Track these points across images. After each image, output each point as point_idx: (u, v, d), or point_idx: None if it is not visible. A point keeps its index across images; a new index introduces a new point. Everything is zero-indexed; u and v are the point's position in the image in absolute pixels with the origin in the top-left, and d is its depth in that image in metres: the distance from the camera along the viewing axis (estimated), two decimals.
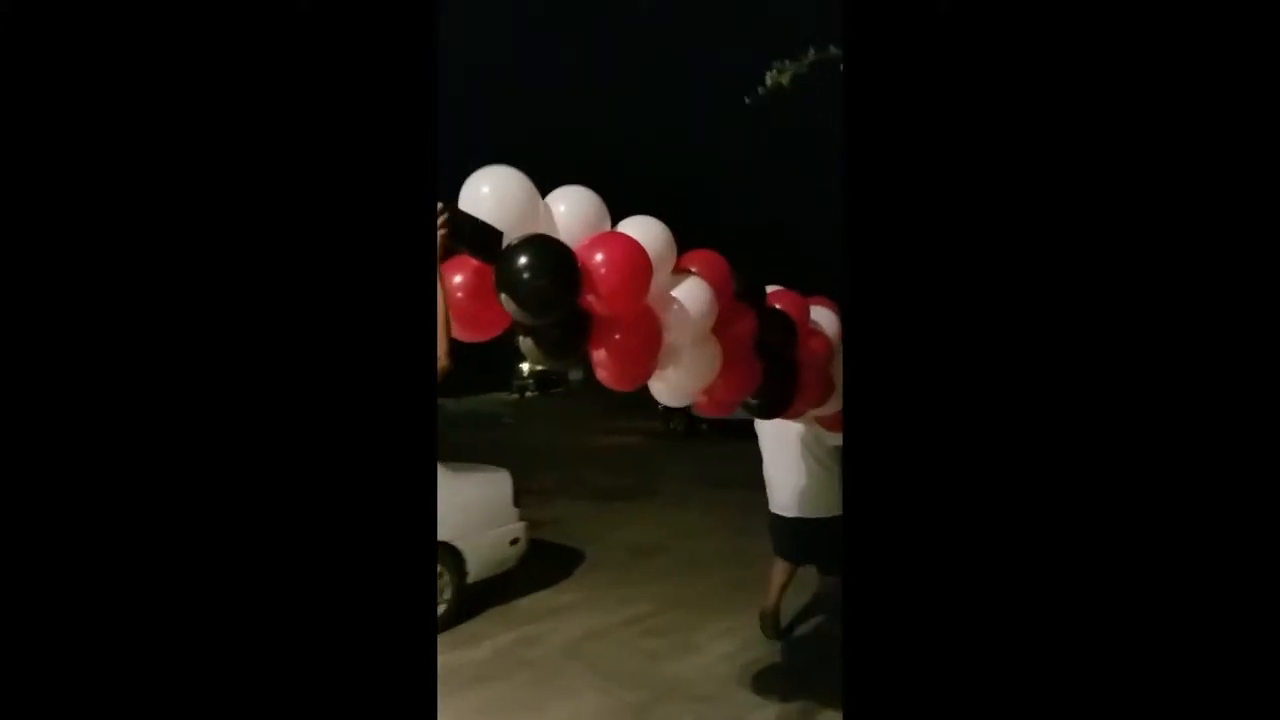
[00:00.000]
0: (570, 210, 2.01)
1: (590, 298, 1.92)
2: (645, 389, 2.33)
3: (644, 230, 2.08)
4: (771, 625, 3.85)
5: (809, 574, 3.94)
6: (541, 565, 5.17)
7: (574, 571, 5.32)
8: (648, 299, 2.05)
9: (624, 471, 10.22)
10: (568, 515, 7.10)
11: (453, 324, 1.80)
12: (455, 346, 1.59)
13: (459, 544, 4.17)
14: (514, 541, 4.63)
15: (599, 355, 2.09)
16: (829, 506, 3.43)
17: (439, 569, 4.05)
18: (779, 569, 3.84)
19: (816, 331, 2.74)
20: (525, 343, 2.04)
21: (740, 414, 2.81)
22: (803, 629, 4.03)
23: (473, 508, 4.39)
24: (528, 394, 34.68)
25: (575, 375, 32.90)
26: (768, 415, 2.83)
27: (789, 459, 3.54)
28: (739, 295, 2.36)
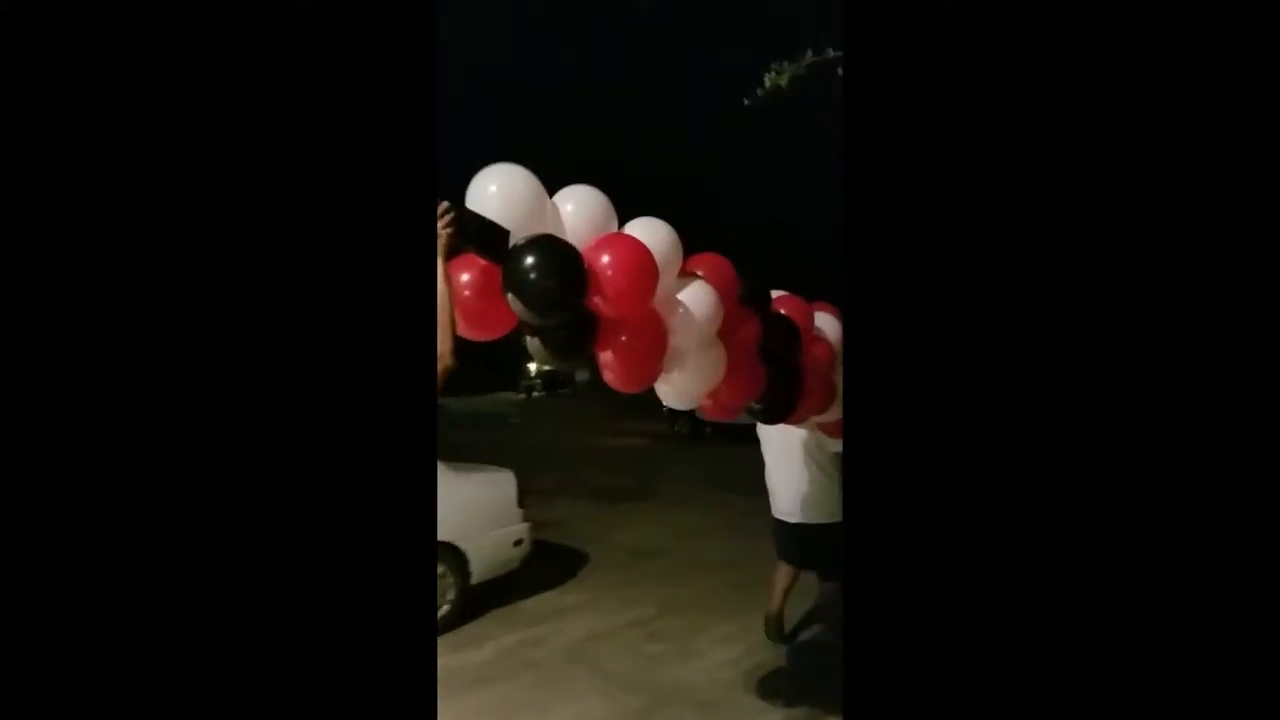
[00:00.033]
0: (577, 210, 2.00)
1: (596, 299, 1.92)
2: (651, 391, 2.33)
3: (651, 232, 2.08)
4: (775, 629, 3.85)
5: (812, 578, 3.92)
6: (545, 566, 5.17)
7: (577, 573, 5.32)
8: (653, 302, 2.05)
9: (628, 473, 10.23)
10: (571, 516, 7.10)
11: (459, 323, 1.78)
12: (460, 345, 1.58)
13: (462, 545, 4.16)
14: (518, 542, 4.62)
15: (605, 357, 2.09)
16: (830, 512, 3.43)
17: (442, 570, 4.04)
18: (782, 572, 3.84)
19: (820, 338, 2.74)
20: (532, 343, 2.04)
21: (744, 418, 2.82)
22: (806, 635, 4.02)
23: (476, 508, 4.39)
24: (534, 394, 34.71)
25: (582, 376, 32.94)
26: (771, 420, 2.83)
27: (791, 465, 3.54)
28: (744, 300, 2.37)
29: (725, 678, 3.54)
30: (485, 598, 4.43)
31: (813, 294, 2.86)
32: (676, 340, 2.14)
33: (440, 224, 1.57)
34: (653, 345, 2.09)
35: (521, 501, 4.73)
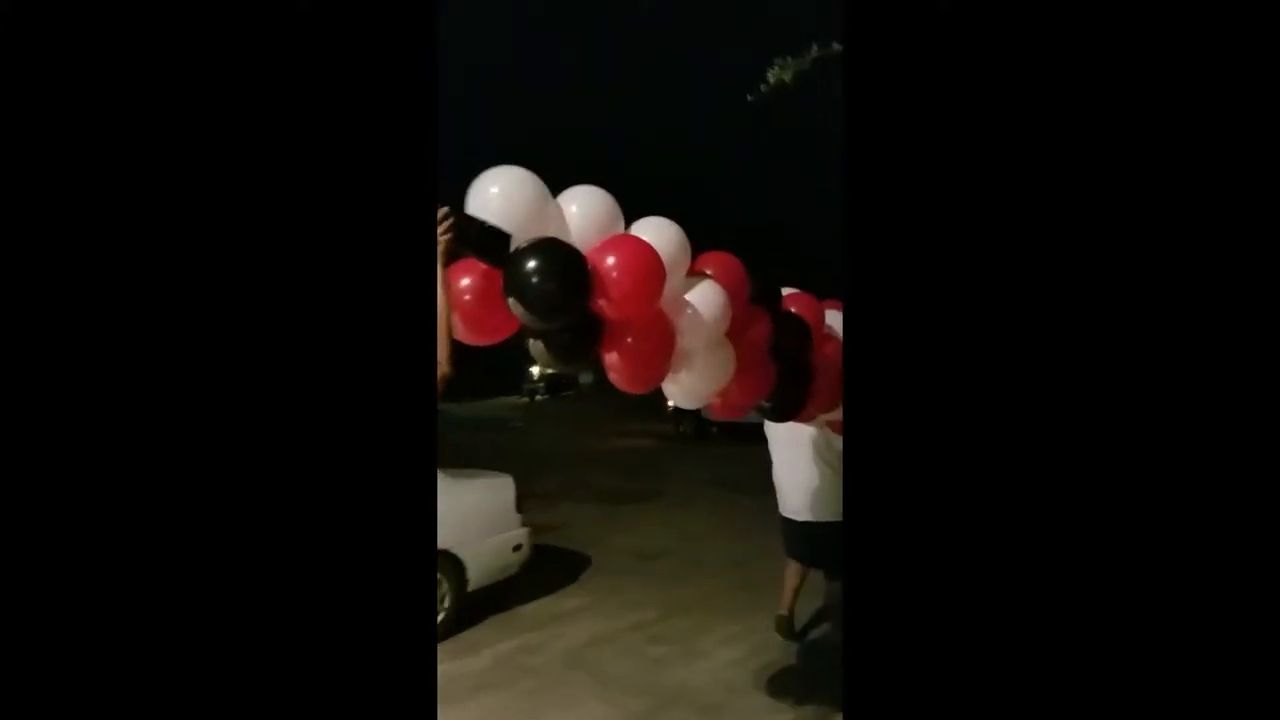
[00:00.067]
0: (582, 211, 1.97)
1: (601, 302, 1.89)
2: (658, 391, 2.32)
3: (658, 232, 2.05)
4: (786, 627, 3.86)
5: (821, 577, 3.88)
6: (546, 570, 5.16)
7: (579, 576, 5.30)
8: (661, 303, 2.02)
9: (632, 474, 10.23)
10: (574, 519, 7.09)
11: (460, 328, 1.78)
12: (458, 352, 1.55)
13: (459, 551, 4.14)
14: (517, 548, 4.60)
15: (610, 359, 2.06)
16: (837, 511, 3.40)
17: (438, 577, 4.01)
18: (791, 571, 3.84)
19: (831, 336, 2.71)
20: (535, 346, 2.02)
21: (751, 417, 2.81)
22: (815, 634, 3.99)
23: (473, 514, 4.36)
24: (538, 397, 34.75)
25: (585, 379, 33.02)
26: (780, 419, 2.82)
27: (799, 463, 3.52)
28: (754, 299, 2.33)
29: (729, 679, 3.52)
30: (484, 604, 4.42)
31: (809, 289, 2.81)
32: (684, 341, 2.11)
33: (438, 230, 1.55)
34: (659, 347, 2.06)
35: (520, 506, 4.71)
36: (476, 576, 4.26)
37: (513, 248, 1.76)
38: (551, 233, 1.86)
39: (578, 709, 3.29)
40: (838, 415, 2.88)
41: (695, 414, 13.57)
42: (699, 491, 8.58)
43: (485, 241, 1.72)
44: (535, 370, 34.33)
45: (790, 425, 3.24)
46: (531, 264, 1.74)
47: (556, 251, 1.80)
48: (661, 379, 2.19)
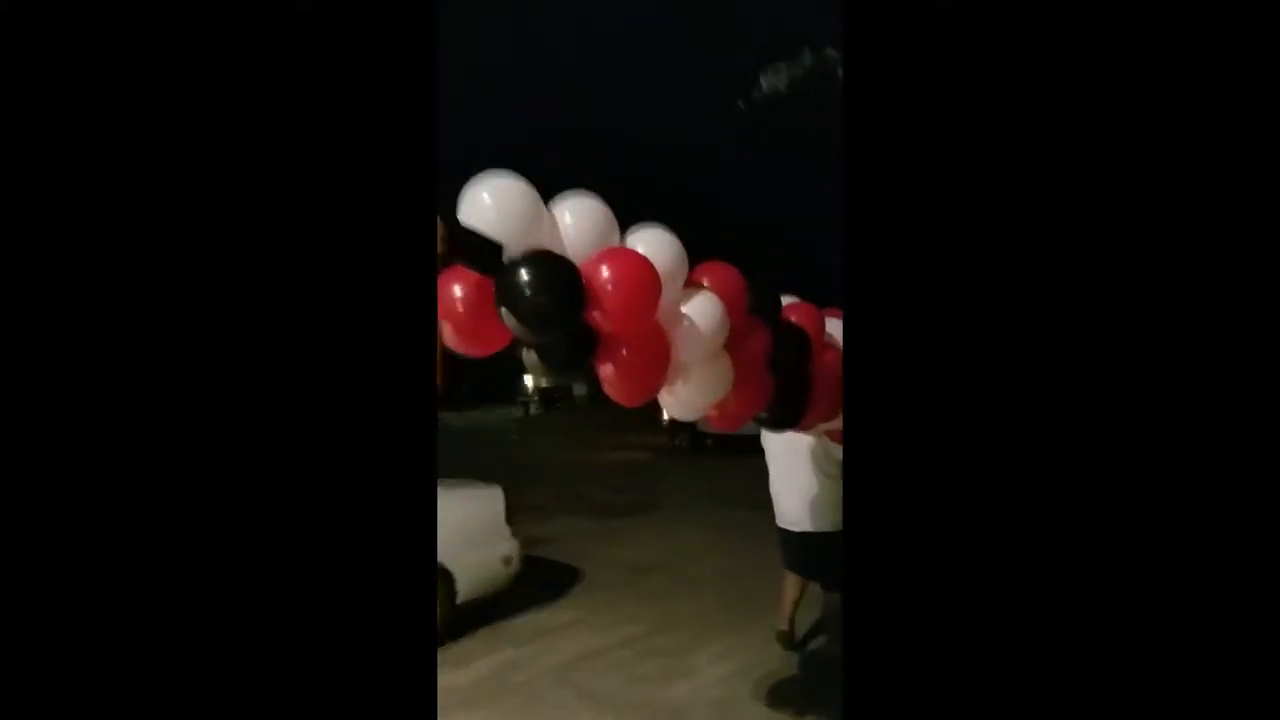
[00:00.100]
0: (576, 220, 1.95)
1: (596, 314, 1.87)
2: (654, 403, 2.30)
3: (654, 243, 2.03)
4: (787, 640, 3.85)
5: (818, 588, 3.87)
6: (537, 583, 5.13)
7: (570, 590, 5.27)
8: (657, 315, 2.00)
9: (625, 487, 10.19)
10: (566, 532, 7.06)
11: (452, 338, 1.77)
12: (448, 363, 1.53)
13: (447, 564, 4.12)
14: (506, 560, 4.58)
15: (605, 371, 2.04)
16: (834, 521, 3.41)
17: None
18: (790, 584, 3.84)
19: (831, 345, 2.68)
20: (529, 357, 2.00)
21: (748, 429, 2.81)
22: (812, 645, 3.97)
23: (462, 526, 4.33)
24: (532, 409, 34.62)
25: (580, 390, 32.97)
26: (778, 428, 2.80)
27: (797, 473, 3.53)
28: (753, 310, 2.31)
29: (717, 697, 3.49)
30: (473, 616, 4.39)
31: (806, 296, 2.79)
32: (681, 354, 2.09)
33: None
34: (655, 360, 2.04)
35: (510, 518, 4.67)
36: (465, 589, 4.23)
37: (505, 258, 1.74)
38: (544, 242, 1.84)
39: None
40: (836, 425, 2.86)
41: (690, 426, 13.56)
42: (693, 505, 8.55)
43: (477, 251, 1.70)
44: (529, 382, 34.22)
45: (788, 435, 3.25)
46: (524, 276, 1.73)
47: (550, 265, 1.78)
48: (657, 392, 2.17)
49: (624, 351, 2.00)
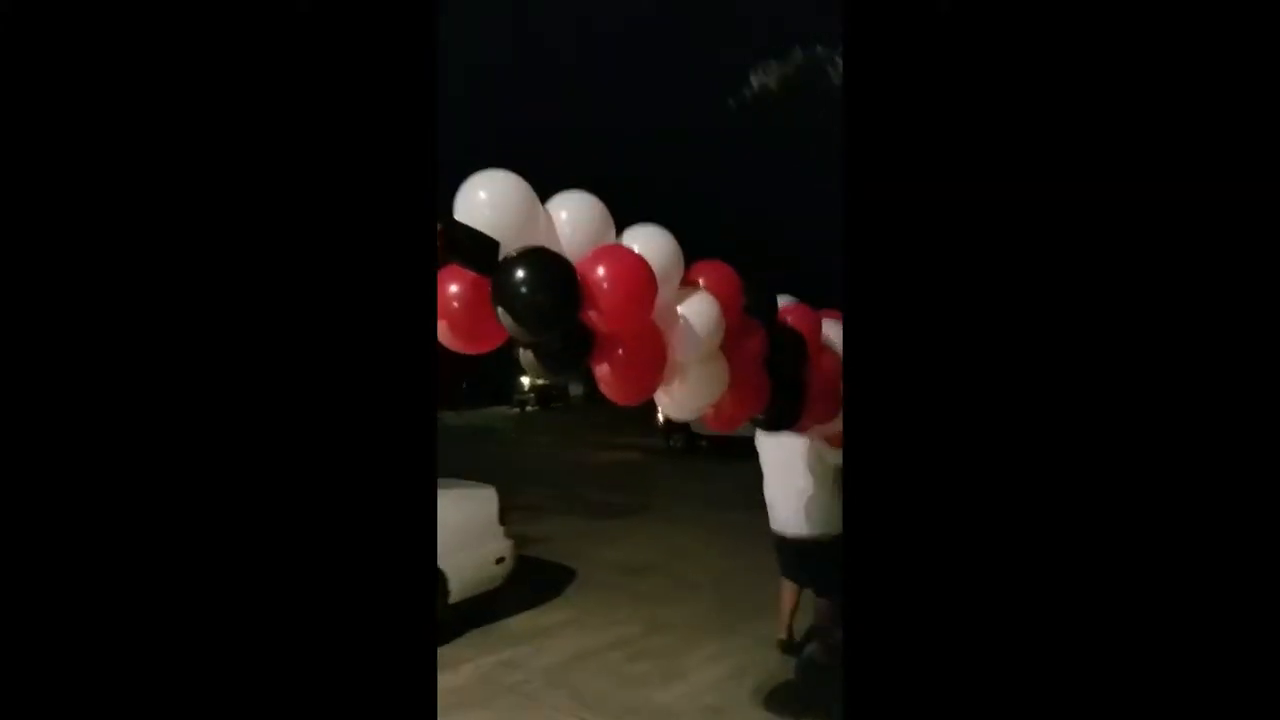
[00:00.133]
0: (572, 218, 1.94)
1: (592, 314, 1.87)
2: (649, 403, 2.30)
3: (650, 242, 2.02)
4: (787, 646, 3.86)
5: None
6: (530, 583, 5.12)
7: (563, 591, 5.27)
8: (653, 315, 1.99)
9: (619, 488, 10.18)
10: (560, 532, 7.05)
11: (449, 336, 1.77)
12: (452, 360, 1.52)
13: (440, 564, 4.09)
14: (499, 560, 4.57)
15: (601, 371, 2.04)
16: (829, 525, 3.39)
17: None
18: (787, 592, 3.85)
19: (827, 348, 2.68)
20: (525, 356, 1.99)
21: (742, 431, 2.81)
22: (806, 651, 3.92)
23: (455, 526, 4.32)
24: (528, 408, 34.62)
25: (576, 390, 32.93)
26: (773, 430, 2.81)
27: (791, 477, 3.50)
28: (749, 310, 2.30)
29: (709, 702, 3.49)
30: (466, 617, 4.38)
31: (801, 296, 2.78)
32: (677, 354, 2.08)
33: None
34: (651, 360, 2.04)
35: (503, 518, 4.65)
36: (458, 589, 4.22)
37: (501, 255, 1.74)
38: (541, 240, 1.83)
39: None
40: (832, 428, 2.85)
41: (685, 428, 13.56)
42: (687, 506, 8.55)
43: (473, 249, 1.69)
44: (525, 381, 34.21)
45: (782, 439, 3.25)
46: (520, 275, 1.72)
47: (546, 263, 1.77)
48: (653, 391, 2.17)
49: (620, 351, 1.99)
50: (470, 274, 1.78)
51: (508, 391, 35.46)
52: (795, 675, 3.65)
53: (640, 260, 1.92)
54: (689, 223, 2.16)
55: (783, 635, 3.87)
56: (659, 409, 2.43)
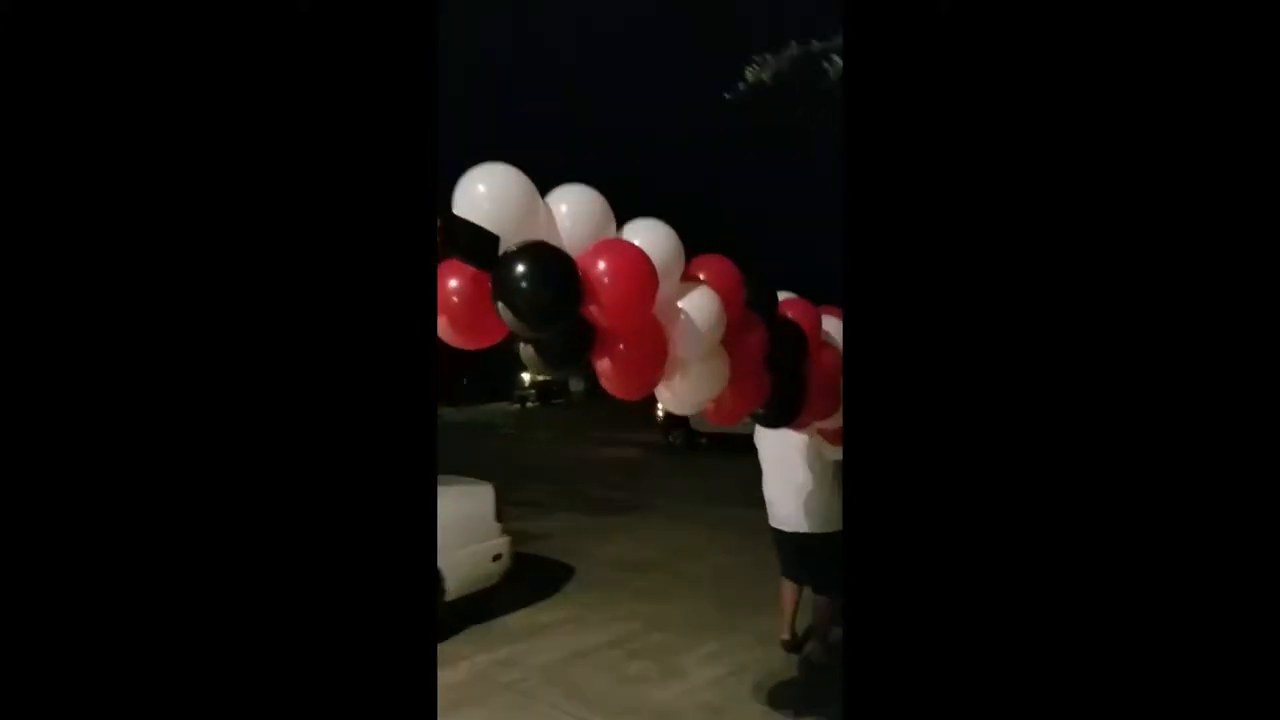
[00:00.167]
0: (572, 212, 1.92)
1: (593, 309, 1.86)
2: (649, 400, 2.30)
3: (650, 236, 2.01)
4: (791, 645, 3.86)
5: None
6: (528, 580, 5.11)
7: (561, 588, 5.27)
8: (654, 310, 1.98)
9: (619, 485, 10.17)
10: (559, 529, 7.05)
11: (449, 331, 1.76)
12: (446, 358, 1.50)
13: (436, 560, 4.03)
14: (496, 557, 4.56)
15: (602, 366, 2.03)
16: (828, 521, 3.40)
17: None
18: (788, 592, 3.84)
19: (828, 343, 2.68)
20: (526, 351, 1.99)
21: (741, 428, 2.84)
22: (805, 649, 3.90)
23: (451, 523, 4.27)
24: (529, 404, 34.60)
25: (577, 386, 32.93)
26: (773, 425, 2.80)
27: (790, 473, 3.51)
28: (750, 305, 2.29)
29: (707, 700, 3.47)
30: (464, 614, 4.37)
31: (798, 292, 2.74)
32: (678, 349, 2.08)
33: None
34: (652, 354, 2.03)
35: (500, 515, 4.63)
36: (454, 586, 4.20)
37: (501, 250, 1.72)
38: (541, 234, 1.82)
39: None
40: (832, 424, 2.85)
41: (685, 424, 13.54)
42: (686, 503, 8.54)
43: (472, 244, 1.68)
44: (526, 377, 34.16)
45: (781, 435, 3.24)
46: (521, 270, 1.70)
47: (546, 257, 1.76)
48: (654, 386, 2.16)
49: (621, 346, 1.99)
50: (470, 269, 1.76)
51: (508, 387, 35.45)
52: (793, 673, 3.64)
53: (641, 254, 1.91)
54: (689, 222, 2.12)
55: (786, 635, 3.87)
56: (659, 404, 2.40)
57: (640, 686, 3.61)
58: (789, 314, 2.51)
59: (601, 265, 1.84)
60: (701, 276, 2.15)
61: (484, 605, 4.52)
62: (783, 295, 2.56)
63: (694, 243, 2.16)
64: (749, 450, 3.78)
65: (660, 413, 14.22)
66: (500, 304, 1.74)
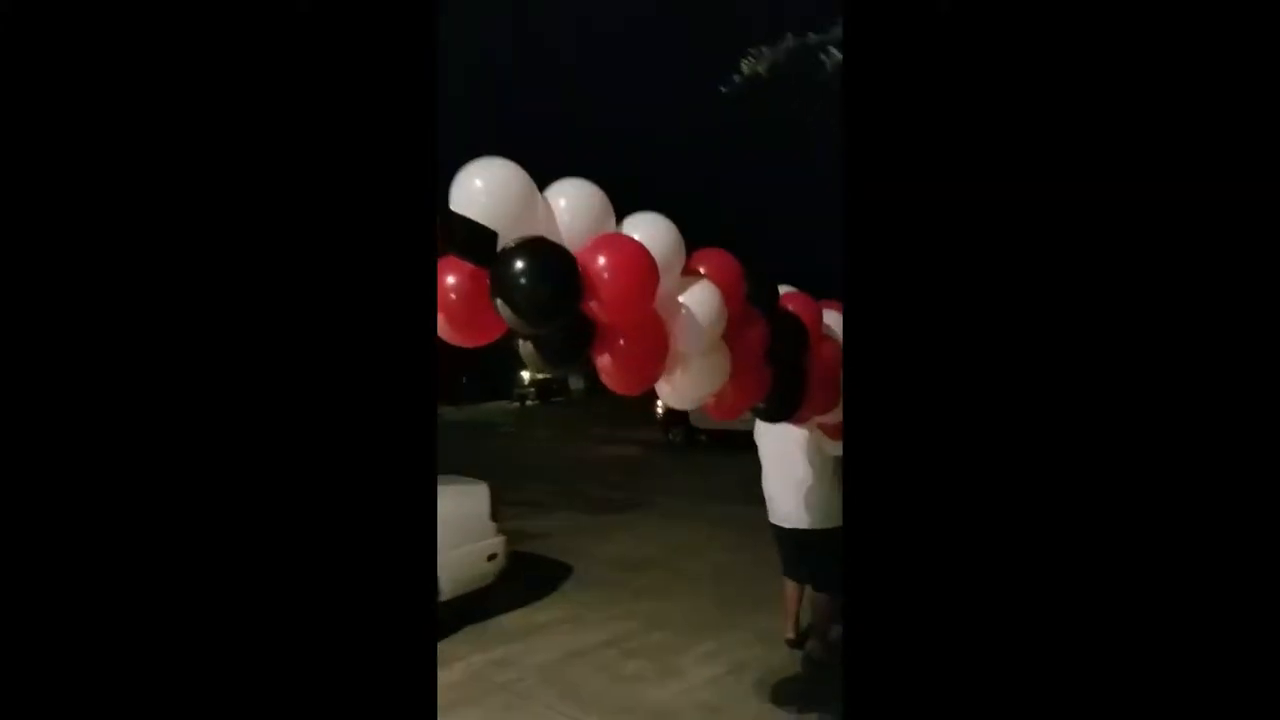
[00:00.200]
0: (571, 206, 1.90)
1: (593, 304, 1.84)
2: (649, 398, 2.25)
3: (651, 230, 1.99)
4: (795, 644, 3.84)
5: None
6: (526, 580, 5.10)
7: (558, 587, 5.26)
8: (654, 305, 1.96)
9: (618, 483, 10.16)
10: (557, 527, 7.04)
11: (447, 329, 1.75)
12: (445, 357, 1.48)
13: None
14: (491, 557, 4.53)
15: (603, 361, 2.02)
16: (828, 517, 3.39)
17: None
18: (790, 590, 3.83)
19: (828, 337, 2.66)
20: (525, 348, 1.98)
21: (741, 425, 2.85)
22: (806, 647, 3.84)
23: (446, 522, 4.18)
24: (529, 402, 34.57)
25: (577, 384, 32.90)
26: (773, 420, 2.77)
27: (790, 469, 3.50)
28: (751, 299, 2.27)
29: (704, 699, 3.45)
30: (460, 613, 4.35)
31: (797, 288, 2.70)
32: (679, 344, 2.06)
33: None
34: (653, 349, 2.02)
35: (496, 515, 4.60)
36: (448, 586, 4.19)
37: (499, 246, 1.71)
38: (539, 230, 1.80)
39: None
40: (832, 418, 2.84)
41: (685, 422, 13.52)
42: (686, 501, 8.52)
43: (470, 240, 1.66)
44: (525, 375, 34.11)
45: (781, 431, 3.23)
46: (519, 266, 1.69)
47: (545, 253, 1.74)
48: (655, 381, 2.15)
49: (621, 341, 1.97)
50: (468, 265, 1.74)
51: (508, 386, 35.40)
52: (792, 672, 3.63)
53: (641, 249, 1.89)
54: (689, 222, 2.09)
55: (790, 634, 3.86)
56: (659, 402, 2.37)
57: (637, 686, 3.60)
58: (789, 308, 2.49)
59: (601, 260, 1.82)
60: (702, 270, 2.13)
61: (480, 605, 4.51)
62: (783, 289, 2.54)
63: (694, 242, 2.15)
64: (749, 447, 3.77)
65: (660, 409, 14.23)
66: (499, 301, 1.72)
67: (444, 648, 4.00)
